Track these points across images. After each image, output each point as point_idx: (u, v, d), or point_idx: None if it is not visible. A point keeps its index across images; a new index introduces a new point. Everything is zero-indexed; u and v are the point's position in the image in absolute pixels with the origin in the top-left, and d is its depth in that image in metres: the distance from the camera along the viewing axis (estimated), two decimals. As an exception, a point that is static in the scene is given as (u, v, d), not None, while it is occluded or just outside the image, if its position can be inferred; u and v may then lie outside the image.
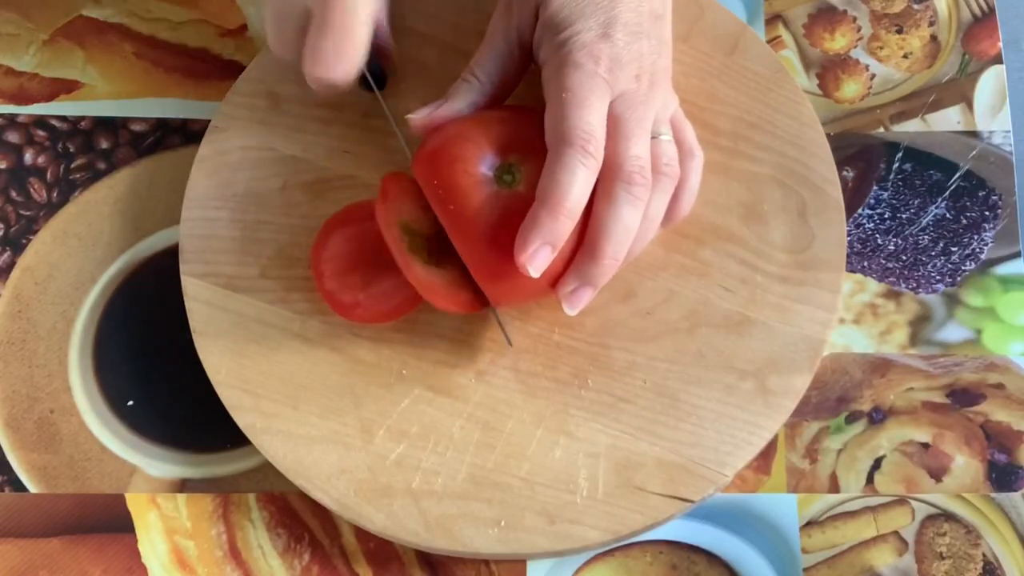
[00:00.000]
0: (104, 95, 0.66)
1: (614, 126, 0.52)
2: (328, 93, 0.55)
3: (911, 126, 0.64)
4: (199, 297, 0.58)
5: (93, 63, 0.67)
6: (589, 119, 0.50)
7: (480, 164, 0.52)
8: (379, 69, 0.59)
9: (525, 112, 0.54)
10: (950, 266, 0.62)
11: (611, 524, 0.53)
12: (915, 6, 0.67)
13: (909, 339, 0.60)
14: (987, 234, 0.62)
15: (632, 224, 0.51)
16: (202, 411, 0.59)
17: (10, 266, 0.62)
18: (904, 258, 0.62)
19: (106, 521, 0.58)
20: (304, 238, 0.58)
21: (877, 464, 0.58)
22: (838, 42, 0.67)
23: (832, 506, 0.57)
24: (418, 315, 0.56)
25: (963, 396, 0.59)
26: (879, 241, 0.62)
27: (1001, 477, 0.58)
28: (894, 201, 0.63)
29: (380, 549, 0.57)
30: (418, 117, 0.54)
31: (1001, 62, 0.66)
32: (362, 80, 0.58)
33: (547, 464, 0.54)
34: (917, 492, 0.57)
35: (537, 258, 0.50)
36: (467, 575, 0.56)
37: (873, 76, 0.66)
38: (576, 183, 0.50)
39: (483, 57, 0.55)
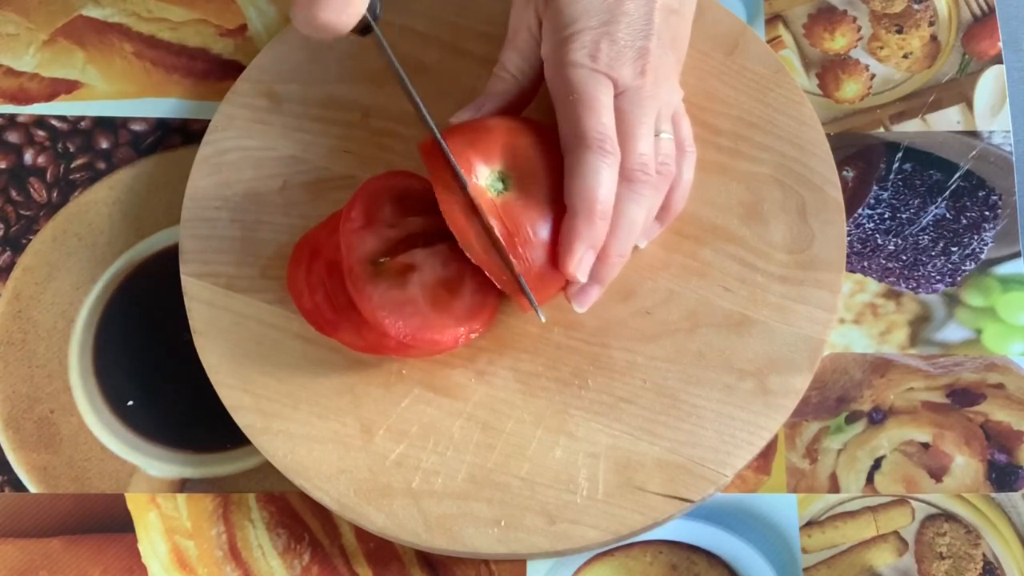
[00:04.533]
0: (104, 95, 0.66)
1: (619, 123, 0.52)
2: (320, 38, 0.50)
3: (911, 126, 0.64)
4: (199, 297, 0.58)
5: (93, 63, 0.67)
6: (601, 119, 0.51)
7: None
8: (373, 7, 0.53)
9: (504, 121, 0.54)
10: (950, 266, 0.62)
11: (611, 524, 0.53)
12: (915, 6, 0.67)
13: (909, 339, 0.60)
14: (987, 234, 0.62)
15: (636, 221, 0.52)
16: (202, 411, 0.59)
17: (10, 266, 0.62)
18: (904, 258, 0.62)
19: (106, 521, 0.58)
20: (304, 238, 0.58)
21: (877, 464, 0.58)
22: (838, 42, 0.67)
23: (832, 506, 0.57)
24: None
25: (963, 396, 0.59)
26: (879, 241, 0.62)
27: (1001, 477, 0.58)
28: (894, 201, 0.63)
29: (380, 549, 0.57)
30: (462, 121, 0.55)
31: (1001, 62, 0.66)
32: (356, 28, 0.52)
33: (547, 464, 0.54)
34: (917, 492, 0.57)
35: (584, 264, 0.51)
36: (467, 575, 0.56)
37: (873, 76, 0.66)
38: (603, 184, 0.50)
39: (511, 53, 0.56)
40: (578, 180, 0.51)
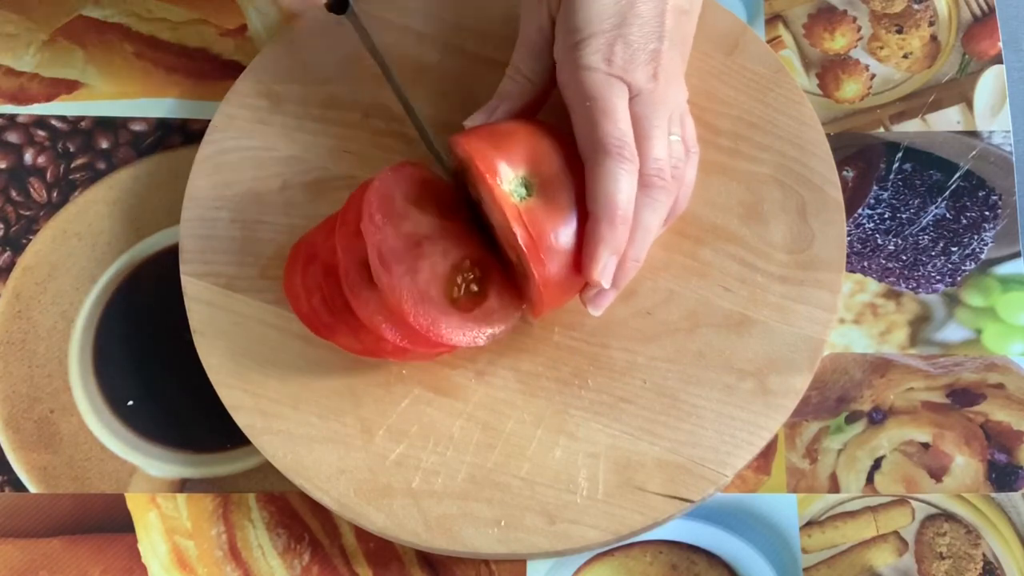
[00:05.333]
0: (104, 95, 0.66)
1: (635, 127, 0.52)
2: (296, 7, 0.51)
3: (911, 126, 0.64)
4: (199, 297, 0.58)
5: (93, 63, 0.67)
6: (619, 125, 0.51)
7: (495, 178, 0.51)
8: None
9: (524, 125, 0.54)
10: (950, 266, 0.62)
11: (611, 524, 0.53)
12: (915, 6, 0.67)
13: (909, 339, 0.60)
14: (987, 234, 0.62)
15: (652, 226, 0.52)
16: (202, 411, 0.59)
17: (10, 266, 0.62)
18: (904, 258, 0.62)
19: (106, 521, 0.58)
20: (304, 238, 0.58)
21: (877, 464, 0.58)
22: (838, 42, 0.67)
23: (832, 506, 0.57)
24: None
25: (963, 396, 0.59)
26: (879, 241, 0.62)
27: (1001, 477, 0.58)
28: (894, 201, 0.63)
29: (380, 549, 0.57)
30: (476, 124, 0.55)
31: (1001, 62, 0.66)
32: (329, 3, 0.53)
33: (547, 464, 0.54)
34: (917, 492, 0.57)
35: (607, 270, 0.51)
36: (467, 575, 0.56)
37: (873, 76, 0.66)
38: (623, 190, 0.51)
39: (523, 54, 0.56)
40: (600, 187, 0.51)
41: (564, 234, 0.51)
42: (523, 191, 0.52)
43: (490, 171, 0.51)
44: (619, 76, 0.52)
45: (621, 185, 0.50)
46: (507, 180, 0.51)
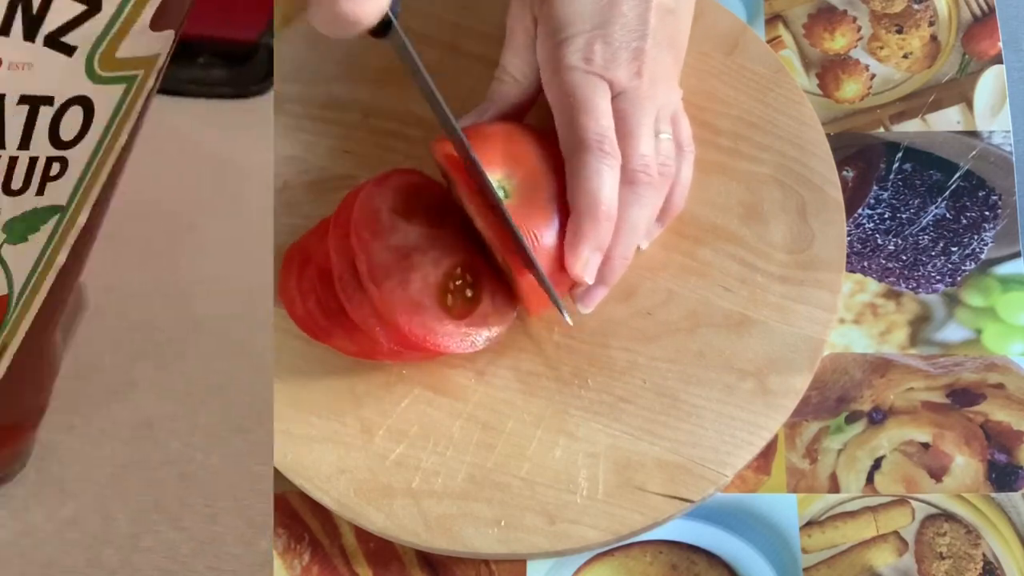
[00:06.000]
0: (104, 95, 0.66)
1: (618, 124, 0.52)
2: (340, 36, 0.46)
3: (911, 126, 0.64)
4: (199, 297, 0.58)
5: (93, 63, 0.67)
6: (599, 120, 0.51)
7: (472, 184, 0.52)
8: (396, 8, 0.50)
9: (503, 127, 0.54)
10: (950, 266, 0.62)
11: (611, 524, 0.53)
12: (915, 6, 0.67)
13: (909, 339, 0.60)
14: (987, 234, 0.62)
15: (639, 223, 0.52)
16: (202, 411, 0.59)
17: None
18: (904, 258, 0.62)
19: (106, 521, 0.57)
20: (304, 238, 0.58)
21: (877, 464, 0.58)
22: (838, 42, 0.67)
23: (832, 506, 0.57)
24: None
25: (963, 396, 0.59)
26: (879, 241, 0.62)
27: (1001, 477, 0.58)
28: (894, 201, 0.63)
29: (380, 549, 0.57)
30: (467, 126, 0.55)
31: (1001, 62, 0.66)
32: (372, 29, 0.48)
33: (547, 464, 0.54)
34: (917, 492, 0.57)
35: (590, 265, 0.51)
36: (467, 575, 0.56)
37: (873, 76, 0.66)
38: (604, 185, 0.50)
39: (510, 55, 0.56)
40: (580, 182, 0.51)
41: (547, 235, 0.51)
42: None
43: (464, 176, 0.51)
44: (599, 74, 0.52)
45: (603, 179, 0.50)
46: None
